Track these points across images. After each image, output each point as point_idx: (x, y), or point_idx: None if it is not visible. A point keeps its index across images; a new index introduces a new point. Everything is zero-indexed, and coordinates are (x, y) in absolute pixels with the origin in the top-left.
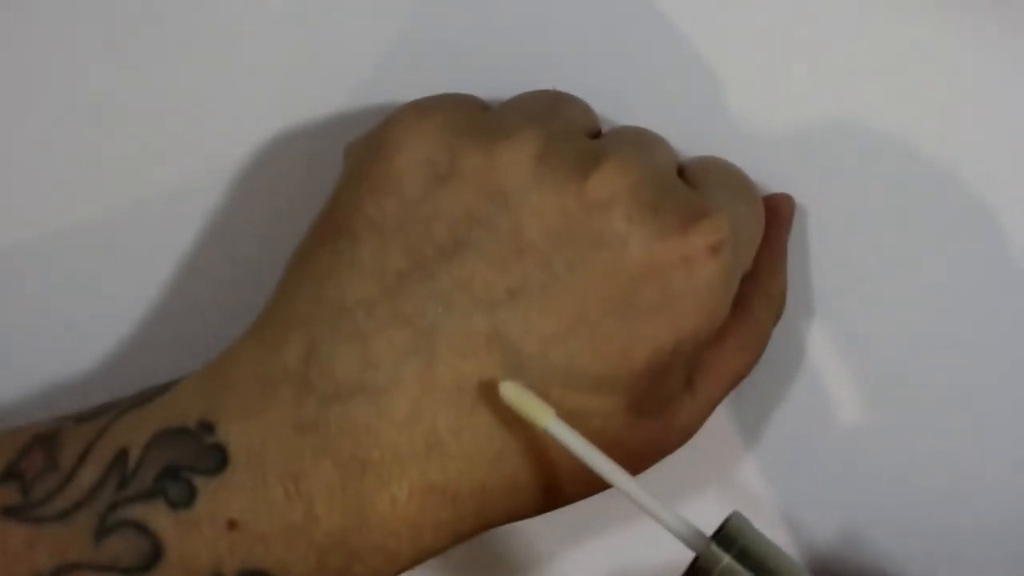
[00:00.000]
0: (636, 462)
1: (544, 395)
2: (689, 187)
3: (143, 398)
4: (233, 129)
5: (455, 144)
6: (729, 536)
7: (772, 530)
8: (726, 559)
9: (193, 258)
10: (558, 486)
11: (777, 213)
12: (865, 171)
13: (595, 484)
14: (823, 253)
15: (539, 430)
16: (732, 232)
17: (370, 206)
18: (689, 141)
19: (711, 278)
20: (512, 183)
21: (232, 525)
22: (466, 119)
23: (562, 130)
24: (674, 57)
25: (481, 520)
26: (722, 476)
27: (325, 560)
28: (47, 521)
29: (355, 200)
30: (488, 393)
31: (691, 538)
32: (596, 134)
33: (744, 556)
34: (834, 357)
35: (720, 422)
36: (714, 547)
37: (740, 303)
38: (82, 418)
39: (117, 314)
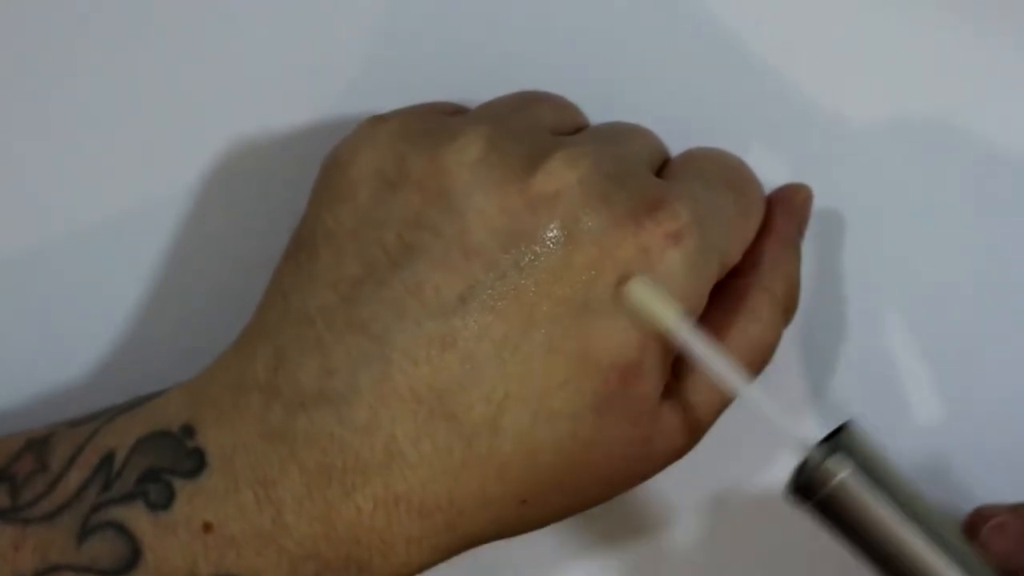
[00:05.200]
0: (618, 468)
1: (503, 394)
2: (658, 177)
3: (134, 403)
4: (224, 133)
5: (403, 151)
6: (847, 447)
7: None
8: (843, 473)
9: (185, 264)
10: (537, 500)
11: (786, 203)
12: (883, 173)
13: (584, 498)
14: (831, 254)
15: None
16: (697, 219)
17: (327, 217)
18: (691, 138)
19: (672, 267)
20: (456, 185)
21: (207, 528)
22: (419, 124)
23: (519, 128)
24: (679, 53)
25: (459, 535)
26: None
27: (297, 569)
28: (33, 522)
29: (315, 213)
30: (443, 401)
31: (806, 448)
32: (576, 127)
33: (864, 471)
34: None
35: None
36: (832, 459)
37: (738, 298)
38: (74, 423)
39: (110, 321)
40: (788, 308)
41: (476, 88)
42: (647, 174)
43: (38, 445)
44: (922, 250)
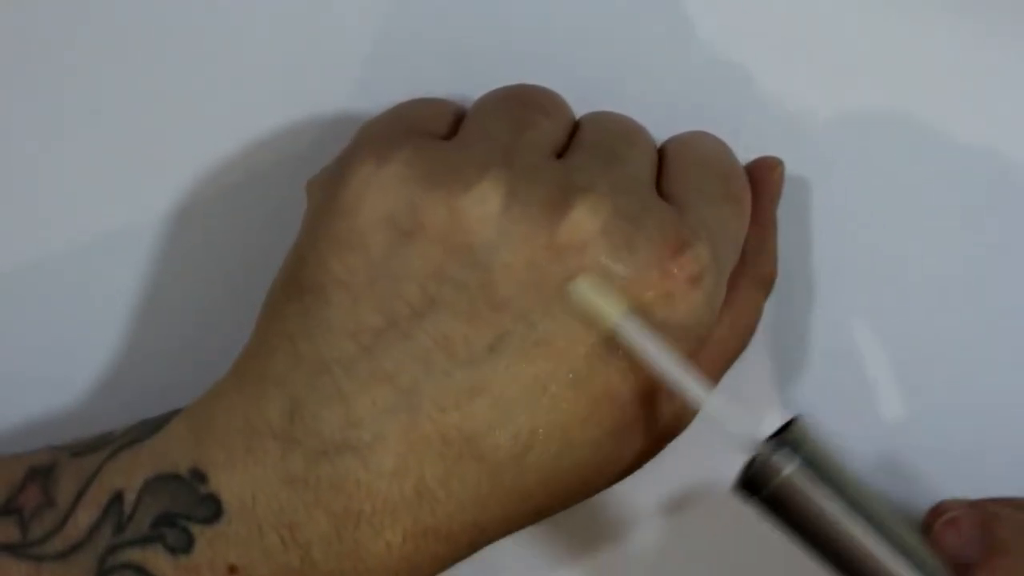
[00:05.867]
0: (628, 467)
1: (530, 432)
2: (666, 201)
3: (135, 436)
4: (223, 138)
5: (416, 198)
6: (795, 442)
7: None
8: (790, 467)
9: (183, 271)
10: (552, 509)
11: (764, 184)
12: (869, 160)
13: (592, 494)
14: (823, 242)
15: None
16: (713, 253)
17: (335, 264)
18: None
19: (693, 308)
20: (478, 239)
21: (232, 570)
22: (426, 164)
23: (528, 163)
24: (677, 51)
25: (478, 546)
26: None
27: None
28: (47, 560)
29: (320, 257)
30: (472, 443)
31: (753, 444)
32: (570, 128)
33: (811, 466)
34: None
35: None
36: (779, 454)
37: (728, 288)
38: (77, 452)
39: (109, 328)
40: (770, 286)
41: (475, 86)
42: (660, 206)
43: (42, 476)
44: (917, 250)
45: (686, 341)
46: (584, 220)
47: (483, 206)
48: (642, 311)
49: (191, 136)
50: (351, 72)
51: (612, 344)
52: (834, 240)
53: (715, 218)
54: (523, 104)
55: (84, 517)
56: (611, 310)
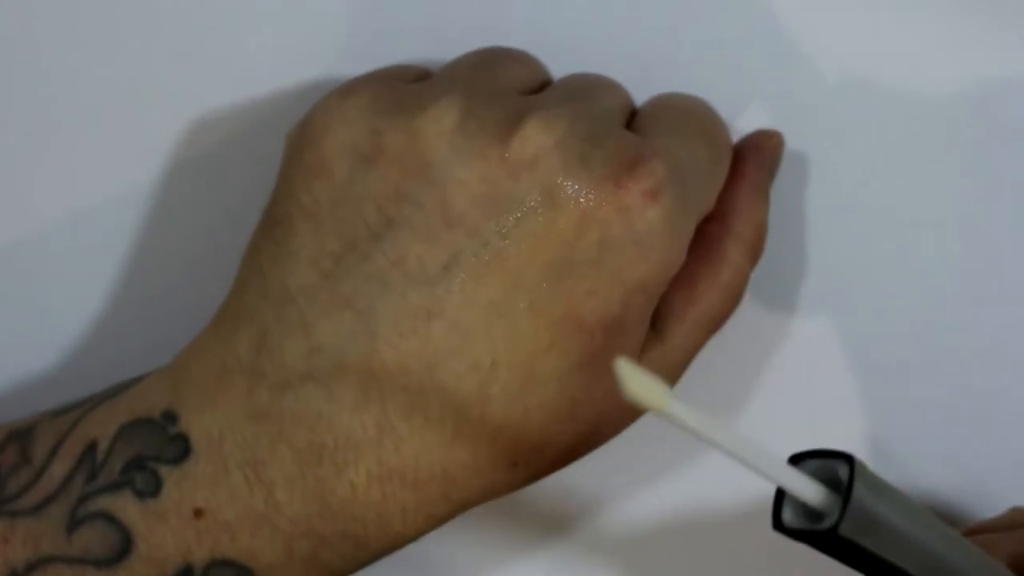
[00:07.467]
0: (603, 420)
1: (491, 362)
2: (631, 132)
3: (113, 391)
4: (192, 114)
5: (377, 124)
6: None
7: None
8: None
9: (159, 248)
10: (527, 461)
11: (756, 150)
12: (872, 143)
13: (573, 452)
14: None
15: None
16: (673, 174)
17: (302, 193)
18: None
19: (652, 224)
20: (434, 156)
21: (198, 514)
22: (389, 96)
23: (489, 92)
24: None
25: (452, 502)
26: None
27: (292, 547)
28: (20, 515)
29: (289, 189)
30: (432, 372)
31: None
32: (542, 81)
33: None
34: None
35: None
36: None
37: (710, 244)
38: (57, 413)
39: (91, 308)
40: (756, 253)
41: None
42: (621, 131)
43: (20, 437)
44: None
45: (646, 265)
46: (537, 133)
47: (439, 124)
48: (598, 227)
49: (164, 113)
50: (325, 49)
51: (570, 266)
52: (831, 229)
53: (682, 148)
54: (492, 53)
55: (58, 469)
56: (661, 397)
